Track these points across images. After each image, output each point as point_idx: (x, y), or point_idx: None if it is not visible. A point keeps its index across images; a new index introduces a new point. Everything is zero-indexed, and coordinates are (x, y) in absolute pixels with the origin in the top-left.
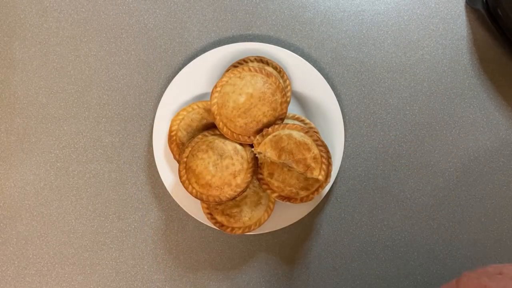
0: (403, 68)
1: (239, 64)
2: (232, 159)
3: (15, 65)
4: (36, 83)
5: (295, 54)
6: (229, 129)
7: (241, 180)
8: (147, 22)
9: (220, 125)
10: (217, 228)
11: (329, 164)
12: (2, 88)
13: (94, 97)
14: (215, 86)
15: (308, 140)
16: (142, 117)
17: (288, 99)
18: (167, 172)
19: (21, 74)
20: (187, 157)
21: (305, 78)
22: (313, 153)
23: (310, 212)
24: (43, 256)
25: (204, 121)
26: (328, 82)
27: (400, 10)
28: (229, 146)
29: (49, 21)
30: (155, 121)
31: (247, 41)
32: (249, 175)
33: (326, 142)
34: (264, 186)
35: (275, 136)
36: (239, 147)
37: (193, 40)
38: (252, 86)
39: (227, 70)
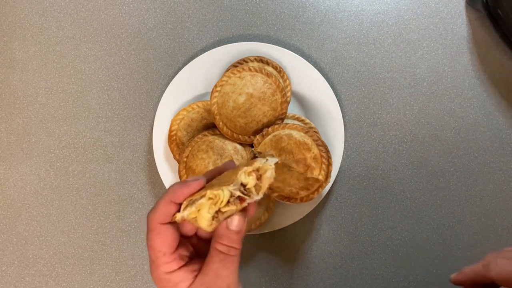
0: (403, 68)
1: (239, 64)
2: (232, 159)
3: (15, 65)
4: (36, 83)
5: (295, 54)
6: (229, 129)
7: None
8: (147, 22)
9: (220, 125)
10: None
11: (329, 164)
12: (2, 88)
13: (94, 97)
14: (215, 86)
15: (308, 140)
16: (142, 117)
17: (288, 99)
18: (167, 172)
19: (21, 74)
20: (187, 157)
21: (305, 78)
22: (313, 153)
23: (310, 212)
24: (43, 256)
25: (204, 121)
26: (328, 82)
27: (400, 10)
28: (229, 146)
29: (49, 21)
30: (155, 121)
31: (247, 41)
32: None
33: (326, 142)
34: None
35: (275, 136)
36: (239, 147)
37: (193, 40)
38: (252, 86)
39: (227, 70)
